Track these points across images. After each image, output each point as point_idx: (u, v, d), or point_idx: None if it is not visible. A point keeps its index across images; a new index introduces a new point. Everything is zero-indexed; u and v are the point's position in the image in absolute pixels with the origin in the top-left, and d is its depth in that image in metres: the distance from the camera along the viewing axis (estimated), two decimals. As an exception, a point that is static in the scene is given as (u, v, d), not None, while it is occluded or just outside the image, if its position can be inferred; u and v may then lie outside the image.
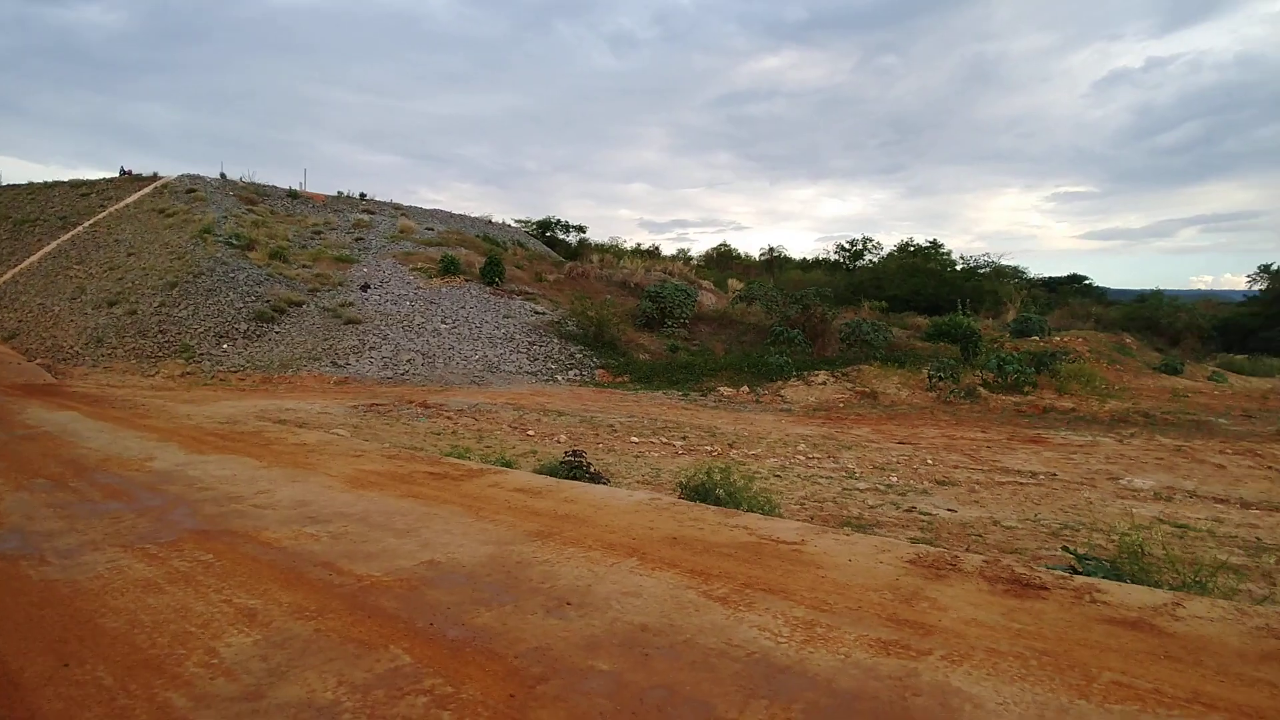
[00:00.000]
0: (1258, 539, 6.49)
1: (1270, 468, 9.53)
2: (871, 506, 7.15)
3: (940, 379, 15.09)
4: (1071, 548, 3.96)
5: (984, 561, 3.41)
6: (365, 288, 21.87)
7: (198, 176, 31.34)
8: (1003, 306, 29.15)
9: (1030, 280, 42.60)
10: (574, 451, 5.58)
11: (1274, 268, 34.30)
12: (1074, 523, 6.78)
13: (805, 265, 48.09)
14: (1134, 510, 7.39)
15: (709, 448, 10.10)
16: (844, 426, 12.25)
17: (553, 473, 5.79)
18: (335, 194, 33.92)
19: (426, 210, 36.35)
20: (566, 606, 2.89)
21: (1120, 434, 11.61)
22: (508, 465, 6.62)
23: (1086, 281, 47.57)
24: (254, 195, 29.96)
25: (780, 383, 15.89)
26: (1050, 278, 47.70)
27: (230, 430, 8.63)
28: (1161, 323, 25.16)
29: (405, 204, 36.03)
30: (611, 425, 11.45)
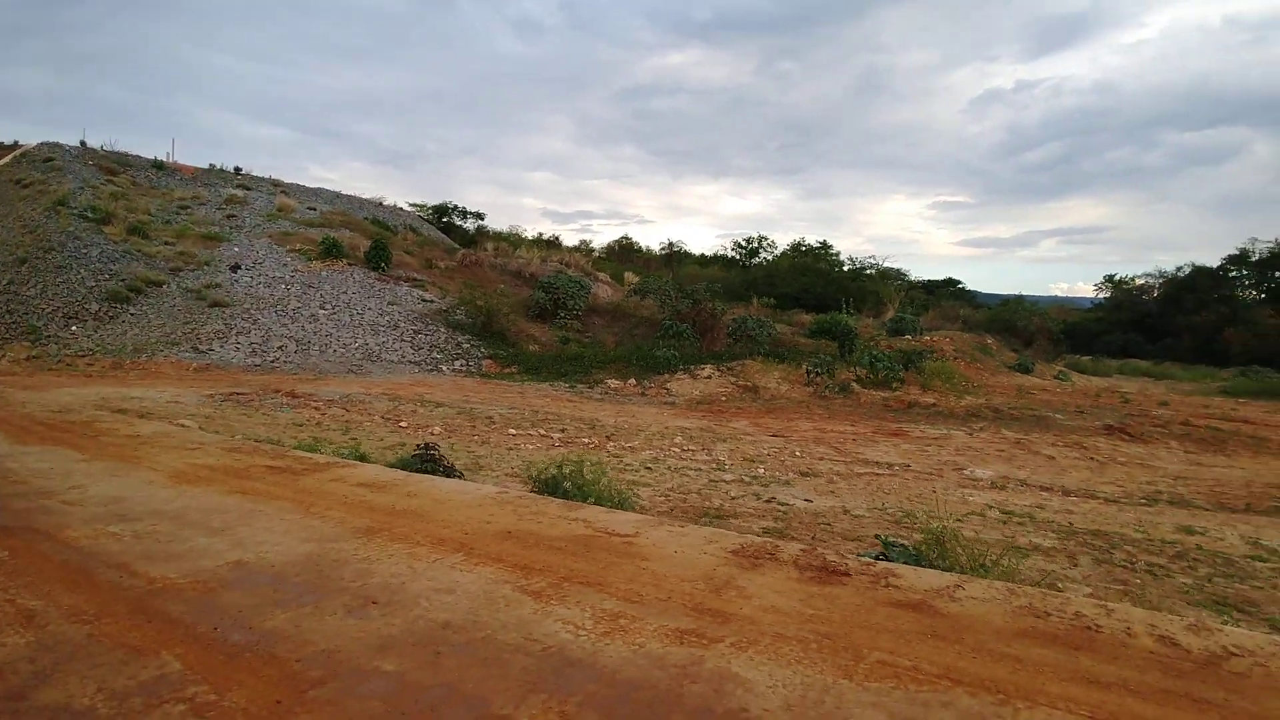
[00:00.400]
0: (1070, 523, 7.14)
1: (1092, 459, 10.52)
2: (734, 498, 7.37)
3: (817, 374, 15.75)
4: (883, 535, 4.22)
5: (801, 550, 3.57)
6: (236, 268, 20.55)
7: (57, 144, 28.52)
8: (883, 306, 30.78)
9: (910, 282, 45.29)
10: (426, 444, 5.45)
11: (1116, 278, 37.84)
12: (916, 511, 7.24)
13: (703, 261, 49.05)
14: (970, 498, 7.98)
15: (586, 440, 10.12)
16: (723, 419, 12.58)
17: (406, 466, 5.63)
18: (207, 167, 31.66)
19: (310, 189, 34.51)
20: (372, 605, 2.81)
21: (971, 428, 12.50)
22: (362, 458, 6.38)
23: (960, 285, 50.91)
24: (115, 165, 27.54)
25: (667, 376, 16.13)
26: (929, 280, 50.83)
27: (60, 419, 7.91)
28: (1018, 325, 27.30)
29: (288, 181, 34.09)
30: (491, 417, 11.28)
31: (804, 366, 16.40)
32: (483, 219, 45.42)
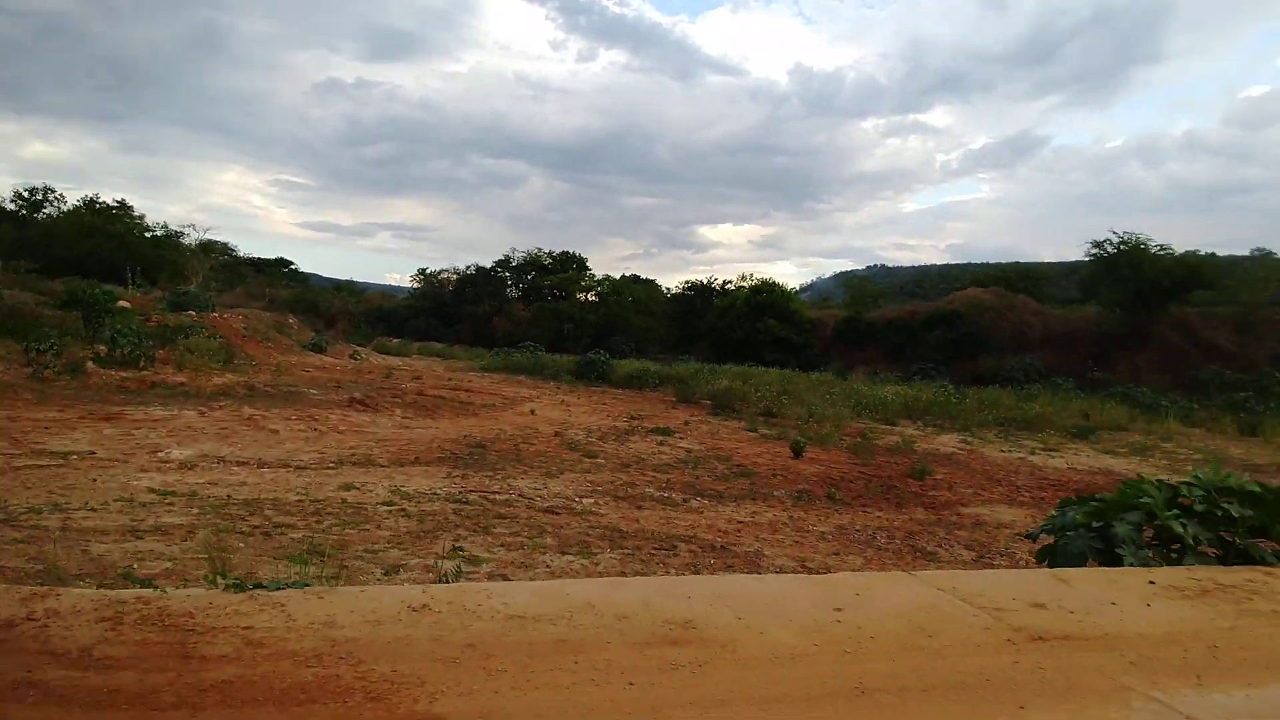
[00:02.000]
0: (229, 496, 7.41)
1: (316, 430, 11.43)
2: None
3: (40, 352, 13.05)
4: None
5: None
6: None
7: None
8: (186, 279, 27.97)
9: (238, 258, 42.41)
10: None
11: (427, 271, 43.29)
12: (47, 504, 6.46)
13: (-39, 211, 36.04)
14: (135, 482, 7.58)
15: None
16: None
17: None
18: None
19: None
20: None
21: (210, 406, 12.16)
22: None
23: (293, 266, 50.24)
24: None
25: None
26: (260, 258, 48.54)
27: None
28: (321, 307, 28.46)
29: None
30: None
31: (25, 343, 13.38)
32: None
